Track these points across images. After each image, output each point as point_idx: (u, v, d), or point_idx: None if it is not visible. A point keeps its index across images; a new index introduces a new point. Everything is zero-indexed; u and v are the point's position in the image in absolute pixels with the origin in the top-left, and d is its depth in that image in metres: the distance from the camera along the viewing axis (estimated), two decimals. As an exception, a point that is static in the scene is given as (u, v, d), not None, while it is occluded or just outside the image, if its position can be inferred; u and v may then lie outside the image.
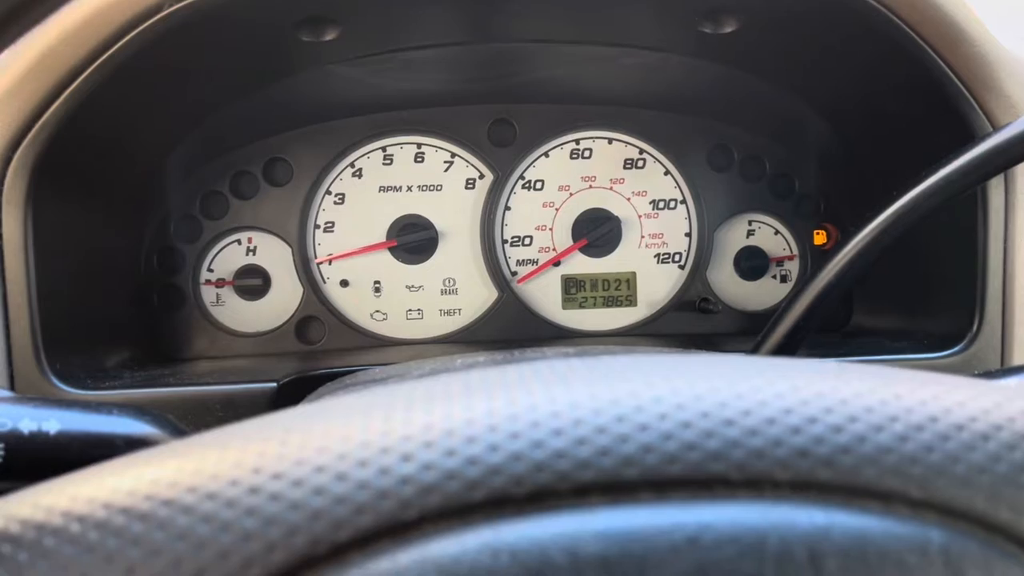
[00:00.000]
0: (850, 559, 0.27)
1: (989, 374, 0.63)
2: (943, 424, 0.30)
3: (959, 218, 0.97)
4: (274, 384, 0.97)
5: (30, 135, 0.83)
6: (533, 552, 0.26)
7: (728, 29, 0.99)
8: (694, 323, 1.32)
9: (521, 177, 1.31)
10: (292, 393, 0.96)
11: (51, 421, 0.51)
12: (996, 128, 0.81)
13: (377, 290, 1.29)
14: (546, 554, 0.26)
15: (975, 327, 0.95)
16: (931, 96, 0.93)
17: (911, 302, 1.14)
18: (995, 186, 0.93)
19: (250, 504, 0.28)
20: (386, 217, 1.29)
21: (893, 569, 0.27)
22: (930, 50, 0.88)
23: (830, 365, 0.36)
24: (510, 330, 1.30)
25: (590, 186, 1.32)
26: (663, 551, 0.26)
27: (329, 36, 0.96)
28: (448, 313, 1.30)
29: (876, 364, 0.39)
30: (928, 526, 0.28)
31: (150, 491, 0.29)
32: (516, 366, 0.37)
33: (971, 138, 0.88)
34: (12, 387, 0.86)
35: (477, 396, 0.32)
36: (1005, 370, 0.62)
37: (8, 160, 0.84)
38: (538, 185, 1.31)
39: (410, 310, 1.30)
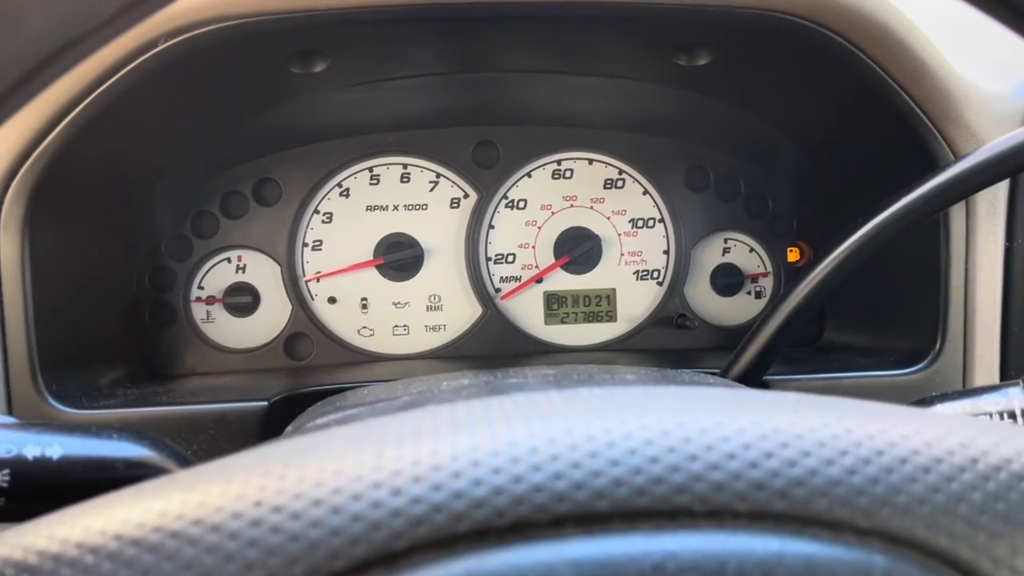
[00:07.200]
0: None
1: (944, 396, 0.65)
2: (888, 457, 0.33)
3: (924, 241, 1.00)
4: (265, 403, 0.99)
5: (27, 163, 0.85)
6: (513, 580, 0.28)
7: (701, 62, 1.02)
8: (671, 338, 1.35)
9: (504, 196, 1.33)
10: (282, 411, 0.98)
11: (54, 446, 0.53)
12: (958, 157, 0.84)
13: (364, 307, 1.31)
14: (525, 581, 0.28)
15: (938, 345, 0.99)
16: (897, 126, 0.96)
17: (879, 320, 1.17)
18: (956, 212, 0.96)
19: (252, 536, 0.30)
20: (373, 235, 1.31)
21: None
22: (895, 84, 0.91)
23: (790, 399, 0.38)
24: (494, 345, 1.32)
25: (571, 205, 1.35)
26: None
27: (318, 68, 0.98)
28: (434, 329, 1.32)
29: (835, 395, 0.42)
30: (872, 552, 0.30)
31: (158, 523, 0.31)
32: (499, 400, 0.39)
33: (935, 165, 0.91)
34: (9, 408, 0.87)
35: (462, 432, 0.34)
36: (960, 392, 0.65)
37: (6, 187, 0.86)
38: (521, 204, 1.34)
39: (396, 326, 1.32)
